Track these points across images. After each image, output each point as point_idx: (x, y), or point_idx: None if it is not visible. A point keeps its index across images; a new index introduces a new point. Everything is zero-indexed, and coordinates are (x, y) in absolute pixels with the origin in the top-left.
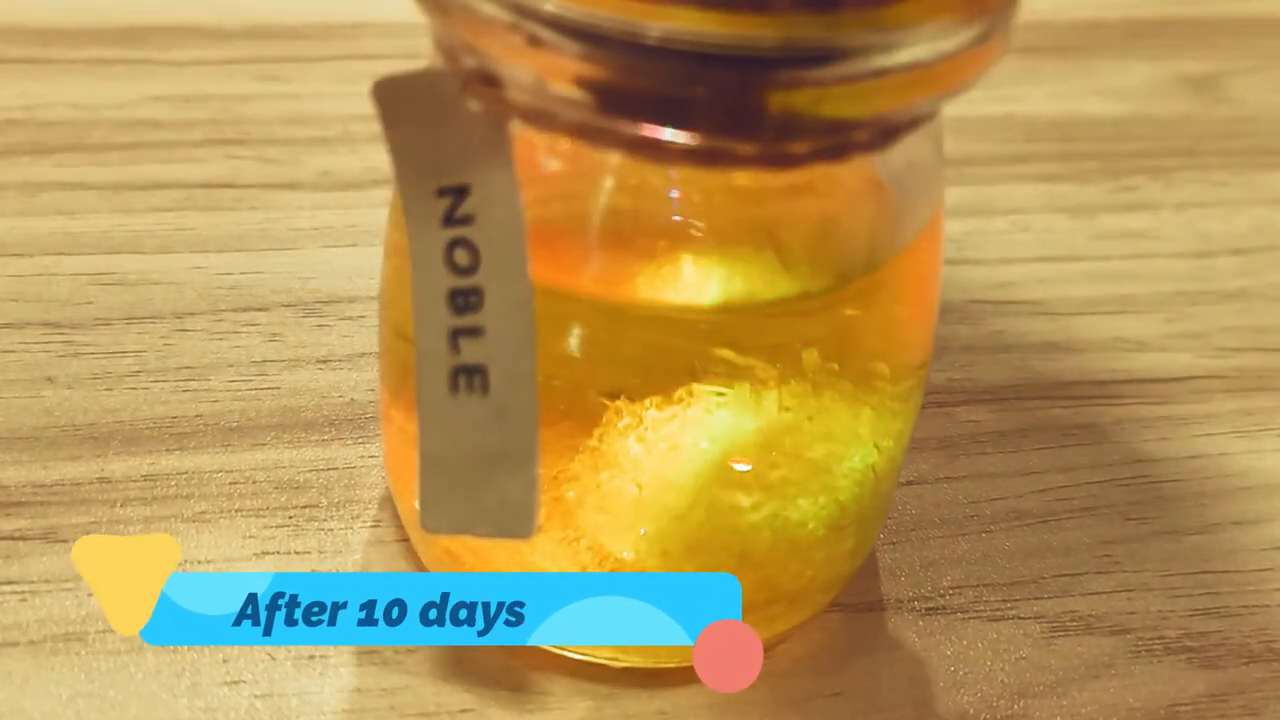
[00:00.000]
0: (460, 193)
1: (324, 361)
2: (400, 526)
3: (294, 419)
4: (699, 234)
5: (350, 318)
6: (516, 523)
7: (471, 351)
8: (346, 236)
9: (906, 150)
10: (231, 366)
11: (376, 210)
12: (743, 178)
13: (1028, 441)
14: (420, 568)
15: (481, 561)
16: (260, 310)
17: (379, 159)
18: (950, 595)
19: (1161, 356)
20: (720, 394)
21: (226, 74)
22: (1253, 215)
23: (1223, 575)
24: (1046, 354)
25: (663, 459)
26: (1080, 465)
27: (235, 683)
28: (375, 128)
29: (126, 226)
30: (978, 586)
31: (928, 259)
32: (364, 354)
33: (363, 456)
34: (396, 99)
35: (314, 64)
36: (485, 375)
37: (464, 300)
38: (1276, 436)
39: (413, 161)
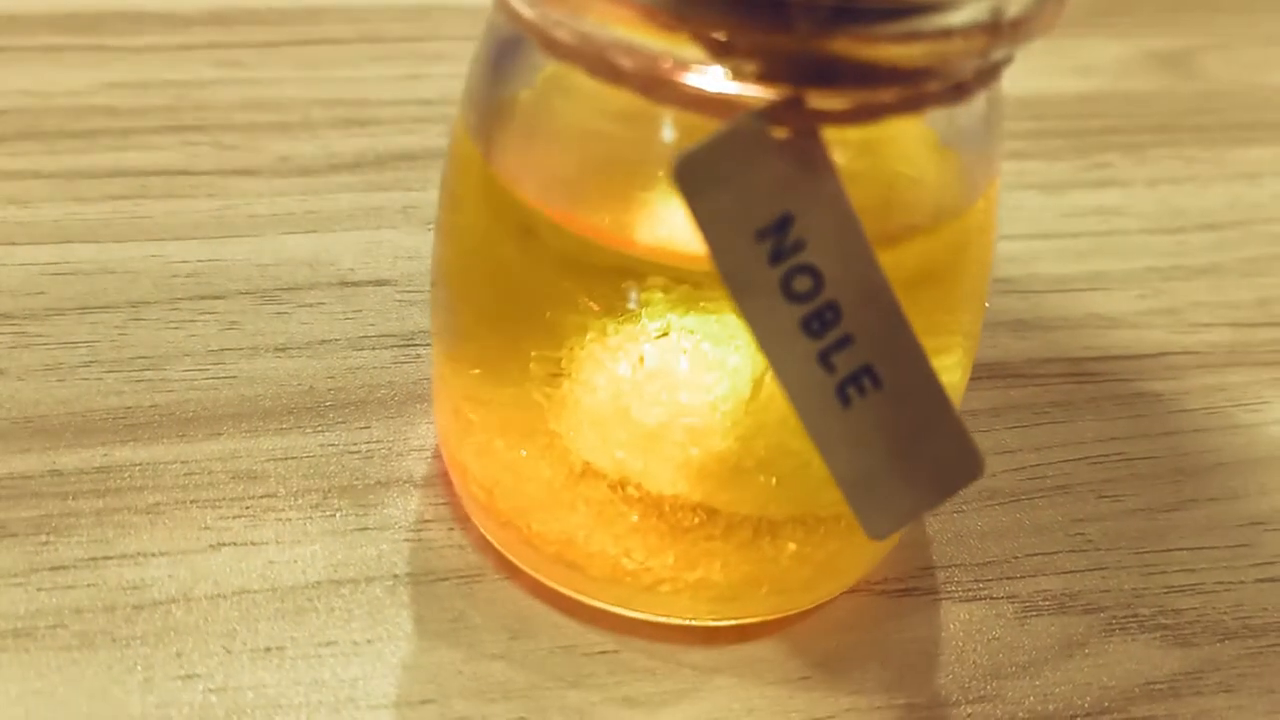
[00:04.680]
0: (781, 226)
1: (282, 349)
2: (359, 515)
3: (251, 408)
4: None
5: (309, 304)
6: (963, 468)
7: (849, 361)
8: (305, 223)
9: (968, 113)
10: (188, 356)
11: (336, 195)
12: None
13: (1000, 420)
14: (383, 555)
15: (536, 532)
16: (218, 298)
17: (339, 144)
18: (922, 576)
19: (1134, 333)
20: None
21: (183, 59)
22: (1224, 191)
23: (1197, 552)
24: (1018, 332)
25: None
26: (1053, 444)
27: (189, 677)
28: (336, 112)
29: (80, 215)
30: (949, 567)
31: (983, 226)
32: (323, 341)
33: (322, 445)
34: (699, 171)
35: (273, 49)
36: (873, 373)
37: (819, 322)
38: (1250, 412)
39: (724, 222)
